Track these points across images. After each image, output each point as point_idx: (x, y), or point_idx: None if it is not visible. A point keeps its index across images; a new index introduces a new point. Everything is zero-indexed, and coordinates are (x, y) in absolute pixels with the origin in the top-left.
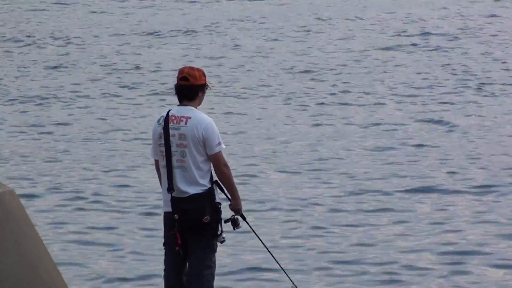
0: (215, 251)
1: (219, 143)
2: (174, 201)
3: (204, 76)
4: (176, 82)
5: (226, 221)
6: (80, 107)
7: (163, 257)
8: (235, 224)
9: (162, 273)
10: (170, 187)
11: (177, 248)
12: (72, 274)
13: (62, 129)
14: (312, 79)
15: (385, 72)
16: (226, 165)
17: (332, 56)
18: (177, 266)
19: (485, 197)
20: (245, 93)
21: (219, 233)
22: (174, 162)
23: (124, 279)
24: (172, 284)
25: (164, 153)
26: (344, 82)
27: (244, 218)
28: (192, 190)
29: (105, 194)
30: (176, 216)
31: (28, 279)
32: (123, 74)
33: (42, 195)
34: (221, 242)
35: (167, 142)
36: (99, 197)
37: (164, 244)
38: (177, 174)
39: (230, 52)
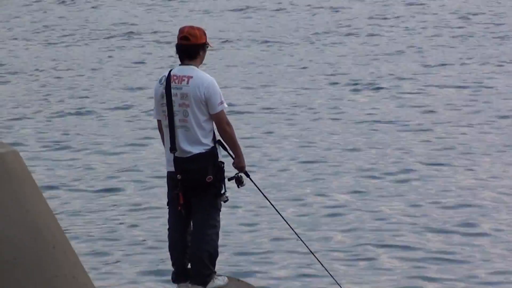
0: (219, 210)
1: (221, 102)
2: (177, 161)
3: (205, 35)
4: (176, 42)
5: (230, 179)
6: None
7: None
8: (239, 182)
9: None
10: (173, 147)
11: (179, 208)
12: (76, 234)
13: None
14: None
15: None
16: (228, 124)
17: None
18: (181, 226)
19: None
20: None
21: (222, 192)
22: (177, 122)
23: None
24: (176, 244)
25: (166, 113)
26: None
27: (248, 176)
28: (195, 149)
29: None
30: (179, 176)
31: (30, 238)
32: None
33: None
34: (225, 202)
35: (169, 102)
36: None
37: (167, 204)
38: (180, 133)
39: None
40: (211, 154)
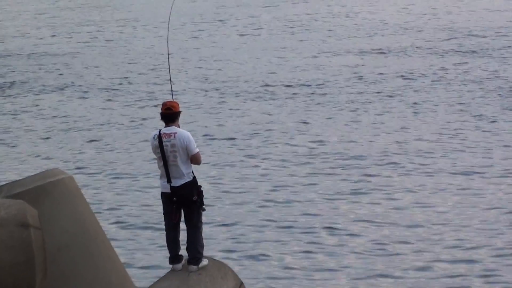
0: (201, 214)
1: (196, 147)
2: (172, 189)
3: (178, 105)
4: (161, 111)
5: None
6: None
7: None
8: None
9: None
10: (168, 179)
11: (174, 220)
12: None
13: None
14: None
15: None
16: (200, 160)
17: None
18: (174, 228)
19: None
20: None
21: (203, 206)
22: (169, 162)
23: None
24: (171, 239)
25: (161, 157)
26: None
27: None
28: (182, 181)
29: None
30: (174, 199)
31: (80, 232)
32: None
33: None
34: (203, 211)
35: (162, 151)
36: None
37: (163, 214)
38: (171, 170)
39: None
40: (194, 182)
